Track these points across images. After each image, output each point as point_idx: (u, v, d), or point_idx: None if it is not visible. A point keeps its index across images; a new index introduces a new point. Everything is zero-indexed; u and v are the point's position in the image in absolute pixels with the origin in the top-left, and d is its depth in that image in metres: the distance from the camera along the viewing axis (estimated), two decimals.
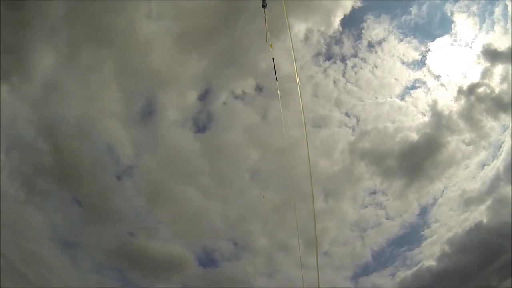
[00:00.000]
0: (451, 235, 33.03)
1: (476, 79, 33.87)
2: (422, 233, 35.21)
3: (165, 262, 33.66)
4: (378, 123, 37.40)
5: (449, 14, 34.83)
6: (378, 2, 36.50)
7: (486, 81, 33.39)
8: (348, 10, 35.34)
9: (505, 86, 32.24)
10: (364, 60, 37.42)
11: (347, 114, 37.91)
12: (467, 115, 34.21)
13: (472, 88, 33.95)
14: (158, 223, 35.54)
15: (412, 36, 36.20)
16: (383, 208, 36.82)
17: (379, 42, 36.85)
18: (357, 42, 37.15)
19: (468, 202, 33.59)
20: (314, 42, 36.61)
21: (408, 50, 36.53)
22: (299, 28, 34.86)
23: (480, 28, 34.19)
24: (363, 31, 36.82)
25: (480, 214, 32.23)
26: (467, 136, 34.42)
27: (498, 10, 32.99)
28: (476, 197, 33.23)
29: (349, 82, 37.61)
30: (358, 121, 37.87)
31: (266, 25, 17.33)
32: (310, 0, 33.87)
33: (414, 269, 33.34)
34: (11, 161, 30.19)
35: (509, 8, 32.00)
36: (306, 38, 36.03)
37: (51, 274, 29.74)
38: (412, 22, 36.25)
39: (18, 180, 30.19)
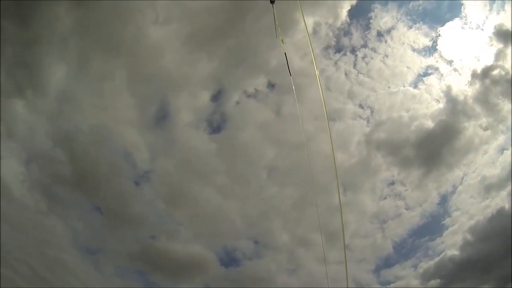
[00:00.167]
0: (472, 223, 32.45)
1: (489, 61, 33.17)
2: (443, 222, 34.68)
3: (187, 263, 33.86)
4: (392, 112, 36.89)
5: None
6: None
7: (500, 63, 32.66)
8: (354, 0, 35.20)
9: None
10: (374, 50, 36.90)
11: (360, 106, 37.53)
12: (483, 99, 33.52)
13: (486, 71, 33.24)
14: (178, 225, 35.74)
15: (421, 22, 35.65)
16: (402, 198, 36.32)
17: (388, 31, 36.30)
18: (366, 32, 36.68)
19: (489, 188, 32.94)
20: (322, 35, 36.23)
21: (418, 36, 35.91)
22: (307, 22, 34.22)
23: (491, 9, 33.43)
24: (371, 20, 36.33)
25: (501, 200, 31.54)
26: (484, 120, 33.76)
27: None
28: (497, 183, 32.55)
29: (360, 73, 37.20)
30: (372, 112, 37.43)
31: (276, 20, 17.40)
32: None
33: (437, 259, 32.85)
34: (31, 173, 30.77)
35: None
36: (315, 31, 35.52)
37: (76, 280, 30.19)
38: (420, 8, 35.66)
39: (39, 191, 30.68)
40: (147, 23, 33.06)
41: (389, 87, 37.26)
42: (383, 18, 36.10)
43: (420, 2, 35.27)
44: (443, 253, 32.86)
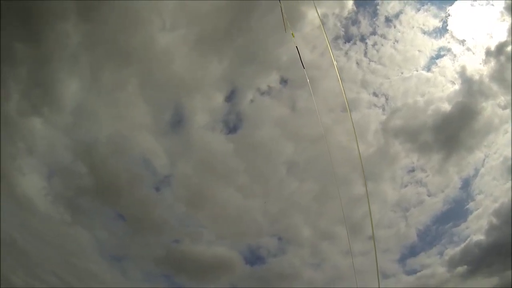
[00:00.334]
0: (497, 206, 31.60)
1: (503, 37, 32.21)
2: (467, 206, 33.93)
3: (212, 264, 33.97)
4: (407, 98, 36.27)
5: None
6: None
7: None
8: None
9: None
10: (383, 36, 36.31)
11: (375, 94, 36.95)
12: (499, 77, 32.54)
13: (500, 48, 32.31)
14: (201, 227, 35.88)
15: (429, 3, 34.94)
16: (423, 185, 35.69)
17: (396, 15, 35.61)
18: (374, 19, 36.09)
19: None
20: (330, 26, 35.69)
21: (427, 18, 35.16)
22: (314, 15, 33.97)
23: None
24: (378, 6, 35.75)
25: None
26: (502, 99, 32.76)
27: None
28: None
29: (372, 61, 36.69)
30: (387, 99, 36.83)
31: (284, 15, 17.45)
32: None
33: (463, 245, 32.20)
34: (53, 187, 31.48)
35: None
36: (322, 23, 35.55)
37: (104, 287, 30.83)
38: None
39: (62, 203, 31.33)
40: (154, 30, 33.27)
41: (402, 73, 36.63)
42: (390, 3, 35.40)
43: None
44: (468, 239, 32.20)
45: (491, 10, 33.09)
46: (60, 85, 31.55)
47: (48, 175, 31.55)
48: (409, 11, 35.37)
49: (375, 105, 37.03)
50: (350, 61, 36.79)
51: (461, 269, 31.24)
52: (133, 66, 33.63)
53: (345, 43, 36.58)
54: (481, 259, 30.52)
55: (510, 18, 31.85)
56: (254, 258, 35.66)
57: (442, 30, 35.17)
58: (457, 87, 34.88)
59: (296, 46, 17.08)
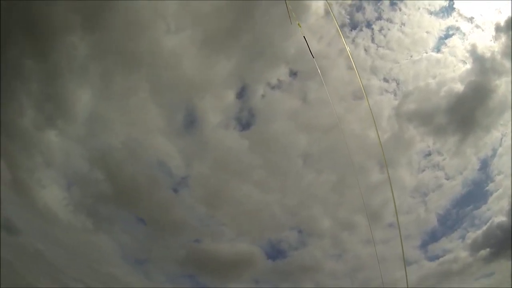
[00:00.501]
0: None
1: None
2: (487, 188, 33.25)
3: (234, 262, 34.15)
4: (418, 81, 35.67)
5: None
6: None
7: None
8: None
9: None
10: (389, 20, 35.63)
11: (385, 80, 36.37)
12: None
13: (510, 23, 31.38)
14: (221, 225, 36.01)
15: None
16: (441, 168, 35.16)
17: None
18: (379, 4, 35.53)
19: None
20: (335, 14, 35.18)
21: None
22: (317, 5, 33.45)
23: None
24: None
25: None
26: None
27: None
28: None
29: (380, 46, 36.10)
30: (398, 84, 36.23)
31: (288, 6, 17.40)
32: None
33: (484, 228, 31.60)
34: (73, 196, 31.85)
35: None
36: (327, 12, 34.71)
37: None
38: None
39: (83, 212, 31.77)
40: (160, 34, 33.20)
41: (411, 56, 35.98)
42: None
43: None
44: (490, 221, 31.58)
45: None
46: (72, 96, 31.84)
47: (67, 185, 31.97)
48: None
49: (386, 91, 36.47)
50: (358, 48, 36.26)
51: (484, 252, 30.76)
52: (142, 71, 33.76)
53: (351, 30, 36.09)
54: (504, 241, 29.74)
55: None
56: (275, 252, 35.71)
57: (449, 9, 34.34)
58: (468, 66, 34.10)
59: (304, 36, 16.99)
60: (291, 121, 37.44)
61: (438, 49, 35.34)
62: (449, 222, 34.45)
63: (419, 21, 35.31)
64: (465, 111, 33.73)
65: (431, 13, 34.90)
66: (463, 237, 32.85)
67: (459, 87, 33.94)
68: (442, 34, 35.04)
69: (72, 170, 32.48)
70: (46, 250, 28.37)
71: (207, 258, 34.08)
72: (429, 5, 34.63)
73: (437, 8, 34.64)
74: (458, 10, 34.12)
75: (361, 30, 36.17)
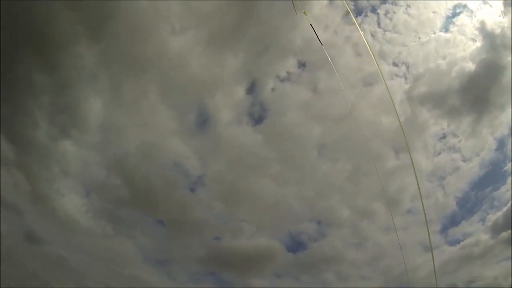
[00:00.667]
0: None
1: None
2: (505, 168, 32.57)
3: (255, 257, 34.16)
4: (428, 63, 34.99)
5: None
6: None
7: None
8: None
9: None
10: (394, 3, 35.10)
11: (394, 64, 35.74)
12: None
13: None
14: (240, 221, 36.00)
15: None
16: (457, 150, 34.55)
17: None
18: None
19: None
20: (339, 2, 34.77)
21: None
22: None
23: None
24: None
25: None
26: None
27: None
28: None
29: (386, 30, 35.41)
30: (407, 67, 35.53)
31: None
32: None
33: (504, 209, 30.97)
34: (92, 203, 32.21)
35: None
36: (330, 1, 34.83)
37: None
38: None
39: (103, 217, 32.09)
40: (165, 36, 33.10)
41: (419, 38, 35.24)
42: None
43: None
44: (510, 202, 30.80)
45: None
46: (84, 105, 32.06)
47: (86, 192, 32.31)
48: None
49: (396, 75, 35.85)
50: (365, 34, 35.61)
51: (505, 234, 30.02)
52: (151, 74, 33.77)
53: (357, 16, 35.21)
54: None
55: None
56: (295, 245, 35.71)
57: None
58: (478, 44, 33.33)
59: (311, 24, 16.86)
60: (303, 112, 37.11)
61: (446, 29, 34.55)
62: (468, 205, 33.99)
63: (425, 2, 34.50)
64: (478, 90, 32.92)
65: None
66: (483, 220, 32.32)
67: (470, 66, 33.20)
68: (449, 13, 34.29)
69: (89, 178, 32.89)
70: (70, 257, 28.83)
71: (228, 255, 34.18)
72: None
73: None
74: None
75: (366, 15, 35.60)
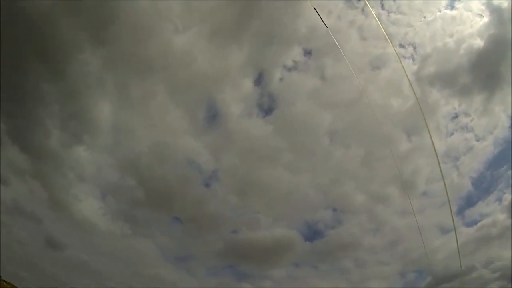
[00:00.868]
0: None
1: None
2: None
3: (272, 247, 34.17)
4: (436, 42, 34.25)
5: None
6: None
7: None
8: None
9: None
10: None
11: (401, 45, 35.09)
12: None
13: None
14: (256, 213, 36.07)
15: None
16: (470, 130, 33.98)
17: None
18: None
19: None
20: None
21: None
22: None
23: None
24: None
25: None
26: None
27: None
28: None
29: (391, 12, 34.86)
30: (414, 48, 34.92)
31: None
32: None
33: None
34: (109, 205, 32.52)
35: None
36: None
37: None
38: None
39: (120, 218, 32.42)
40: (169, 35, 32.98)
41: (424, 17, 34.50)
42: None
43: None
44: None
45: None
46: (93, 110, 32.13)
47: (102, 195, 32.64)
48: None
49: (403, 57, 35.00)
50: (369, 17, 34.76)
51: None
52: (157, 74, 33.76)
53: (359, 0, 35.16)
54: None
55: None
56: (312, 233, 35.83)
57: None
58: (486, 19, 32.50)
59: (314, 8, 16.69)
60: (312, 100, 36.98)
61: (451, 6, 33.95)
62: (484, 185, 33.50)
63: None
64: (489, 67, 32.10)
65: None
66: (499, 199, 31.67)
67: (479, 43, 32.38)
68: None
69: (105, 181, 33.12)
70: (90, 260, 29.14)
71: (245, 247, 34.29)
72: None
73: None
74: None
75: None
